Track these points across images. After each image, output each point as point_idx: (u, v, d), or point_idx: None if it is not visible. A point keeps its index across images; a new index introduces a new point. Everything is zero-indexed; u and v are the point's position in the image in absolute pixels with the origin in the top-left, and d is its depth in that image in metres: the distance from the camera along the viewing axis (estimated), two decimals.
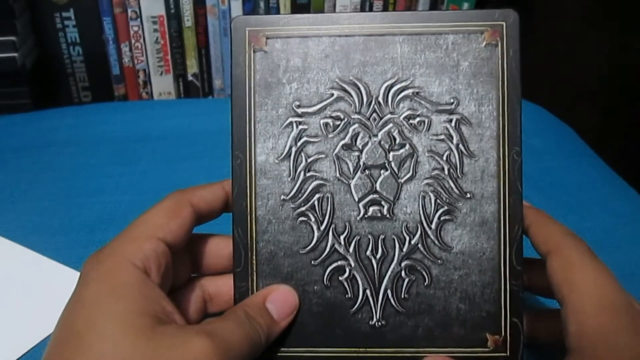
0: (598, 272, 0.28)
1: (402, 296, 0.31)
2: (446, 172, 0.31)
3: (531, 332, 0.32)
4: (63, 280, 0.42)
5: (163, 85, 0.81)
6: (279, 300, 0.30)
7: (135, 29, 0.77)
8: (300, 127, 0.31)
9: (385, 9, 0.80)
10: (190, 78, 0.81)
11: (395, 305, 0.31)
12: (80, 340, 0.24)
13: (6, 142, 0.61)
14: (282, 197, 0.31)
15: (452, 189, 0.31)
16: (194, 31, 0.78)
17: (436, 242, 0.31)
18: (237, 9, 0.77)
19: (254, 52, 0.32)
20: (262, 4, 0.77)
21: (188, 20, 0.77)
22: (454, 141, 0.31)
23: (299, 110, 0.32)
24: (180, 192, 0.31)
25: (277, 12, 0.78)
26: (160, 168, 0.56)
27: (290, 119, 0.32)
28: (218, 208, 0.32)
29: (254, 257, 0.31)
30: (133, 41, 0.78)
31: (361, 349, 0.31)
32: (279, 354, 0.31)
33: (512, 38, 0.31)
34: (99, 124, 0.65)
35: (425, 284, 0.31)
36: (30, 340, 0.37)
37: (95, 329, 0.24)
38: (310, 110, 0.32)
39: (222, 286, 0.32)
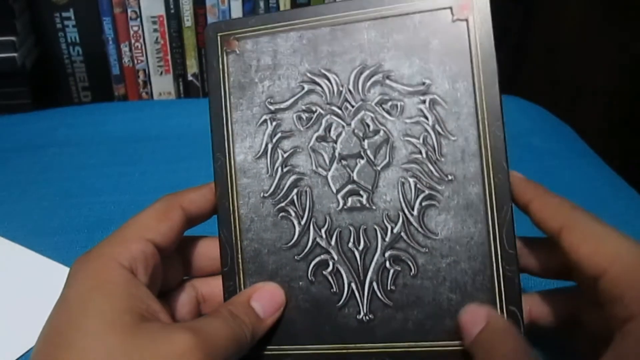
0: (624, 239, 0.27)
1: (389, 288, 0.30)
2: (424, 155, 0.30)
3: (533, 317, 0.31)
4: (63, 280, 0.42)
5: (163, 85, 0.81)
6: (265, 298, 0.30)
7: (135, 29, 0.77)
8: (275, 123, 0.31)
9: None
10: (190, 78, 0.81)
11: (382, 298, 0.30)
12: (63, 338, 0.24)
13: (6, 142, 0.61)
14: (262, 194, 0.31)
15: (431, 172, 0.30)
16: (193, 31, 0.78)
17: (419, 229, 0.30)
18: (237, 9, 0.77)
19: (226, 54, 0.32)
20: (262, 4, 0.77)
21: (188, 20, 0.77)
22: (430, 122, 0.30)
23: (272, 107, 0.32)
24: (171, 196, 0.31)
25: (276, 11, 0.78)
26: (160, 168, 0.56)
27: (264, 117, 0.32)
28: (208, 210, 0.32)
29: (240, 255, 0.31)
30: (133, 41, 0.78)
31: (350, 345, 0.30)
32: (267, 352, 0.30)
33: (482, 11, 0.30)
34: (99, 124, 0.65)
35: (411, 274, 0.30)
36: (29, 340, 0.37)
37: (78, 326, 0.24)
38: (282, 105, 0.31)
39: (214, 287, 0.32)
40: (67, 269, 0.27)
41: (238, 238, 0.31)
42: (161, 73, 0.80)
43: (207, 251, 0.33)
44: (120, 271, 0.27)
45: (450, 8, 0.30)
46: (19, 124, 0.65)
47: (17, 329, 0.38)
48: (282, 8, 0.78)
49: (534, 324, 0.31)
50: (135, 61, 0.79)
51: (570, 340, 0.32)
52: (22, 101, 0.73)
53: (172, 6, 0.76)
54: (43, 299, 0.40)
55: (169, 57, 0.79)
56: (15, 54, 0.70)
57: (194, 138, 0.61)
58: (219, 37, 0.32)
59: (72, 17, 0.76)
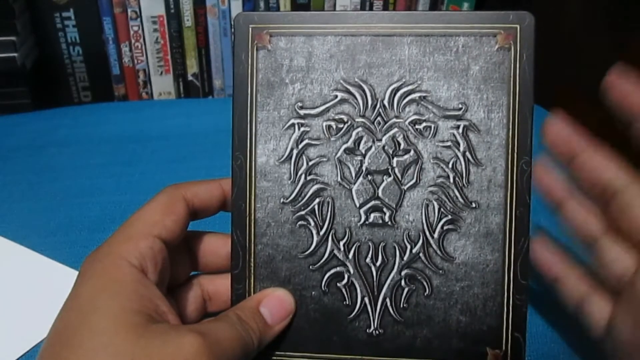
0: None
1: (401, 305, 0.30)
2: (451, 180, 0.30)
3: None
4: (63, 280, 0.42)
5: (163, 85, 0.81)
6: (274, 305, 0.30)
7: (135, 29, 0.77)
8: (302, 129, 0.31)
9: (385, 8, 0.80)
10: (190, 78, 0.81)
11: (393, 315, 0.30)
12: (72, 337, 0.24)
13: (6, 142, 0.62)
14: (282, 200, 0.31)
15: (456, 197, 0.30)
16: (194, 31, 0.78)
17: (438, 251, 0.30)
18: (237, 9, 0.77)
19: (257, 50, 0.31)
20: (262, 4, 0.77)
21: (188, 20, 0.77)
22: (461, 148, 0.30)
23: (302, 112, 0.31)
24: (174, 187, 0.31)
25: (278, 11, 0.78)
26: (160, 168, 0.56)
27: (292, 121, 0.31)
28: (214, 205, 0.32)
29: (252, 259, 0.31)
30: (133, 41, 0.78)
31: (357, 357, 0.30)
32: (273, 358, 0.30)
33: (527, 42, 0.30)
34: (99, 124, 0.65)
35: (425, 294, 0.30)
36: (30, 340, 0.37)
37: (88, 326, 0.24)
38: (313, 112, 0.31)
39: (220, 286, 0.32)
40: (67, 269, 0.27)
41: (252, 241, 0.31)
42: (161, 73, 0.80)
43: (215, 248, 0.33)
44: (130, 270, 0.27)
45: (495, 35, 0.30)
46: (19, 124, 0.65)
47: (17, 329, 0.38)
48: (282, 8, 0.78)
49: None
50: (136, 61, 0.79)
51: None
52: (22, 101, 0.73)
53: (172, 6, 0.76)
54: (43, 298, 0.40)
55: (169, 57, 0.79)
56: (15, 54, 0.70)
57: (194, 138, 0.61)
58: (250, 29, 0.31)
59: (72, 17, 0.76)
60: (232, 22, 0.76)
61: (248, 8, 0.77)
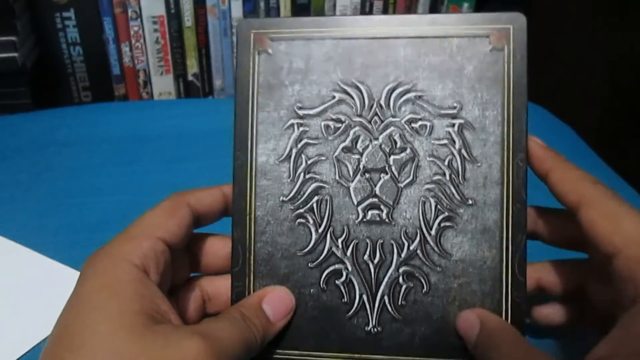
0: None
1: (399, 303, 0.30)
2: (447, 177, 0.30)
3: (542, 284, 0.32)
4: (63, 280, 0.42)
5: (163, 85, 0.81)
6: (275, 301, 0.30)
7: (136, 29, 0.77)
8: (301, 128, 0.31)
9: (385, 8, 0.80)
10: (190, 78, 0.81)
11: (391, 312, 0.30)
12: (73, 338, 0.24)
13: (6, 142, 0.61)
14: (282, 198, 0.31)
15: (453, 194, 0.30)
16: (194, 31, 0.78)
17: (435, 248, 0.30)
18: (237, 9, 0.77)
19: (258, 54, 0.32)
20: (262, 4, 0.77)
21: (188, 20, 0.77)
22: (457, 146, 0.31)
23: (301, 112, 0.31)
24: (178, 194, 0.31)
25: (277, 12, 0.78)
26: (160, 168, 0.56)
27: (291, 121, 0.31)
28: (216, 211, 0.32)
29: (252, 257, 0.31)
30: (133, 41, 0.78)
31: (355, 355, 0.30)
32: (274, 356, 0.31)
33: (519, 42, 0.30)
34: (99, 124, 0.65)
35: (423, 291, 0.30)
36: (30, 340, 0.37)
37: (88, 327, 0.24)
38: (311, 112, 0.31)
39: (220, 287, 0.32)
40: (68, 269, 0.27)
41: (252, 239, 0.31)
42: (161, 73, 0.80)
43: (215, 249, 0.33)
44: (131, 270, 0.27)
45: (488, 36, 0.30)
46: (19, 124, 0.65)
47: (17, 329, 0.38)
48: (282, 9, 0.78)
49: (542, 291, 0.32)
50: (136, 61, 0.79)
51: (574, 317, 0.33)
52: (22, 101, 0.73)
53: (172, 6, 0.76)
54: (43, 299, 0.40)
55: (169, 57, 0.79)
56: (15, 54, 0.70)
57: (194, 138, 0.61)
58: (252, 34, 0.32)
59: (73, 17, 0.76)
60: (233, 25, 0.77)
61: (248, 8, 0.77)
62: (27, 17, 0.74)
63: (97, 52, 0.78)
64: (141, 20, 0.76)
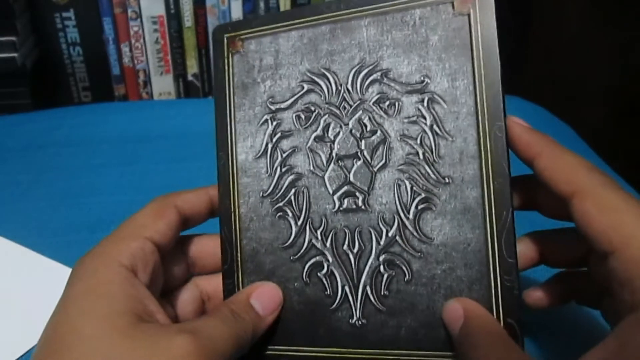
0: None
1: (382, 293, 0.29)
2: (421, 156, 0.29)
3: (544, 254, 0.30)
4: (63, 280, 0.42)
5: (163, 85, 0.81)
6: (264, 296, 0.30)
7: (135, 29, 0.77)
8: (275, 122, 0.31)
9: None
10: (190, 78, 0.81)
11: (375, 303, 0.29)
12: (60, 342, 0.24)
13: (6, 142, 0.62)
14: (262, 193, 0.31)
15: (428, 174, 0.28)
16: (194, 31, 0.78)
17: (415, 233, 0.28)
18: (237, 9, 0.77)
19: (231, 55, 0.32)
20: (262, 4, 0.77)
21: (188, 20, 0.77)
22: (427, 122, 0.29)
23: (273, 107, 0.32)
24: (164, 196, 0.31)
25: (277, 12, 0.78)
26: (160, 168, 0.56)
27: (265, 116, 0.32)
28: (203, 211, 0.32)
29: (239, 254, 0.31)
30: (133, 41, 0.78)
31: (343, 350, 0.29)
32: (264, 352, 0.30)
33: (486, 5, 0.28)
34: (99, 124, 0.65)
35: (405, 279, 0.28)
36: (29, 340, 0.37)
37: (75, 330, 0.24)
38: (282, 105, 0.31)
39: (218, 286, 0.32)
40: (67, 269, 0.27)
41: (238, 237, 0.31)
42: (161, 73, 0.80)
43: (210, 249, 0.33)
44: (119, 270, 0.27)
45: (452, 2, 0.29)
46: (19, 124, 0.65)
47: (17, 329, 0.38)
48: (282, 8, 0.78)
49: (545, 263, 0.30)
50: (136, 61, 0.79)
51: (565, 297, 0.32)
52: (22, 101, 0.73)
53: (172, 6, 0.76)
54: (43, 299, 0.40)
55: (169, 57, 0.79)
56: (15, 54, 0.70)
57: (194, 138, 0.61)
58: (225, 39, 0.33)
59: (72, 17, 0.76)
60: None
61: (248, 8, 0.77)
62: (27, 17, 0.74)
63: (97, 52, 0.78)
64: (141, 21, 0.76)
